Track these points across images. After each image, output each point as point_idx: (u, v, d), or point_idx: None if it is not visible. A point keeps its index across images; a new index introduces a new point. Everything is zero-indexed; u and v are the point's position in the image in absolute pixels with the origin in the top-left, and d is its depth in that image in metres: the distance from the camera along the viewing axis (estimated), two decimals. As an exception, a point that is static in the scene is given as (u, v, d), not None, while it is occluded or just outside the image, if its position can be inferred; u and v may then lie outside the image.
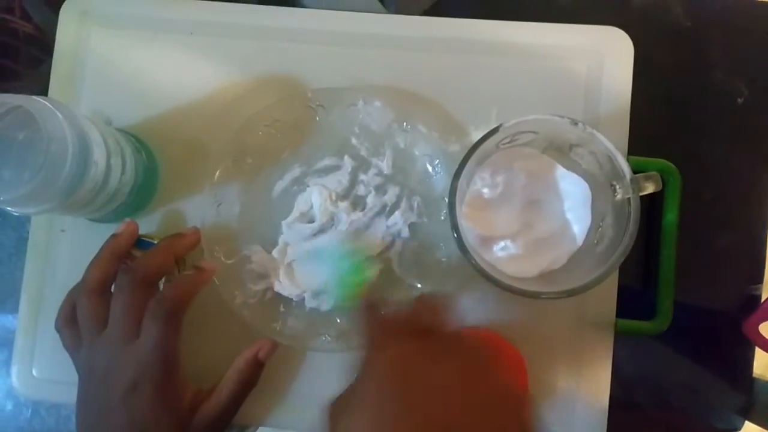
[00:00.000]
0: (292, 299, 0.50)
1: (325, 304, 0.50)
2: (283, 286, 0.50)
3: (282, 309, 0.50)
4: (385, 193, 0.51)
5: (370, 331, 0.39)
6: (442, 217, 0.50)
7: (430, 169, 0.51)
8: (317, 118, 0.52)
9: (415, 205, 0.51)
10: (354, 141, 0.52)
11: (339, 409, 0.35)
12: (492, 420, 0.33)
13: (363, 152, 0.52)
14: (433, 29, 0.53)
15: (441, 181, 0.51)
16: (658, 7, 0.56)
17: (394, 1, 0.55)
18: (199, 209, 0.51)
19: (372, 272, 0.50)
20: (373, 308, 0.41)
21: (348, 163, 0.52)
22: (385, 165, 0.51)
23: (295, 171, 0.52)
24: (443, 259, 0.50)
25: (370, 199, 0.51)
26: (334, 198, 0.51)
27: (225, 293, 0.49)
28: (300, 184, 0.52)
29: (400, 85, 0.53)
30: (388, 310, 0.41)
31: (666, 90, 0.55)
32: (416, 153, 0.51)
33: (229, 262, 0.50)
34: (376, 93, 0.51)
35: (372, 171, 0.52)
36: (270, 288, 0.50)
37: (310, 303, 0.50)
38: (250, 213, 0.51)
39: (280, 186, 0.52)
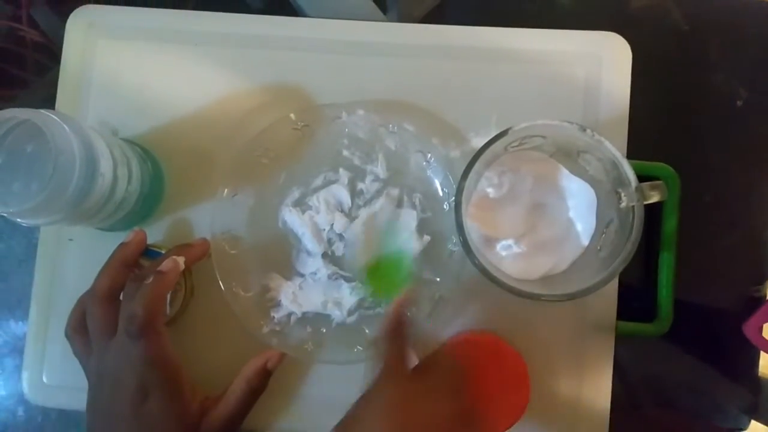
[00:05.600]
0: (318, 321, 0.51)
1: (355, 294, 0.51)
2: (287, 300, 0.51)
3: (309, 330, 0.51)
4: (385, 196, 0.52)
5: (388, 360, 0.41)
6: (446, 207, 0.51)
7: (424, 164, 0.52)
8: (305, 139, 0.52)
9: (417, 202, 0.52)
10: (345, 153, 0.52)
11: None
12: None
13: (356, 161, 0.52)
14: (433, 37, 0.54)
15: (437, 174, 0.51)
16: (656, 10, 0.56)
17: (395, 9, 0.56)
18: (204, 219, 0.52)
19: (411, 268, 0.50)
20: (400, 329, 0.43)
21: (344, 175, 0.52)
22: (380, 169, 0.52)
23: (295, 194, 0.52)
24: (455, 249, 0.50)
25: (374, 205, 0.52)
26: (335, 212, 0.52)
27: (250, 325, 0.50)
28: (301, 205, 0.52)
29: (400, 92, 0.53)
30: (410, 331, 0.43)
31: (665, 93, 0.55)
32: (408, 151, 0.52)
33: (249, 294, 0.51)
34: (357, 104, 0.52)
35: (369, 178, 0.52)
36: (293, 313, 0.51)
37: (337, 318, 0.51)
38: (260, 244, 0.52)
39: (283, 212, 0.52)
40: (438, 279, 0.51)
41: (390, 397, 0.39)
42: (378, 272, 0.50)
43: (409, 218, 0.51)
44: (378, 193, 0.52)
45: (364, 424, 0.38)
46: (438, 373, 0.41)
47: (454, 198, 0.45)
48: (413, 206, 0.52)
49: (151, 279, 0.45)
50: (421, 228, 0.51)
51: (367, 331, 0.50)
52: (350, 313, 0.51)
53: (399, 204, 0.52)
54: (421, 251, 0.51)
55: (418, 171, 0.52)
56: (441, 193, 0.51)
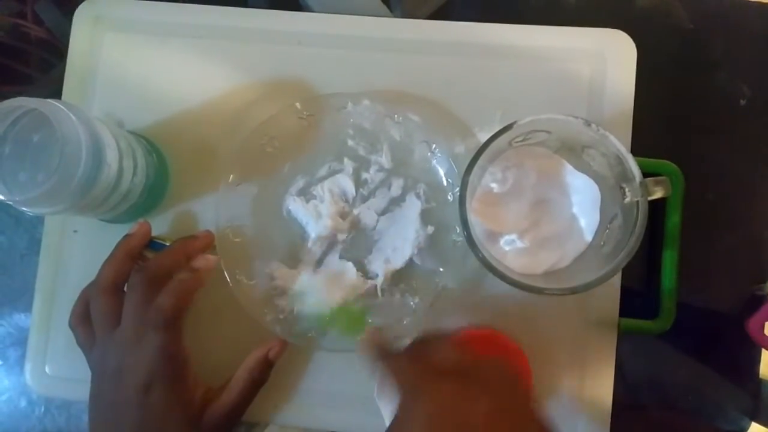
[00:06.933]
0: None
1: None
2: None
3: None
4: (389, 187, 0.52)
5: (404, 375, 0.39)
6: (450, 198, 0.51)
7: (429, 154, 0.52)
8: (310, 128, 0.53)
9: (421, 192, 0.52)
10: (350, 142, 0.53)
11: None
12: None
13: (361, 152, 0.53)
14: (439, 33, 0.54)
15: (442, 165, 0.52)
16: (660, 9, 0.56)
17: (400, 4, 0.56)
18: (208, 211, 0.52)
19: (363, 315, 0.51)
20: (388, 353, 0.42)
21: (348, 165, 0.52)
22: (384, 160, 0.52)
23: (299, 183, 0.53)
24: (459, 240, 0.50)
25: (378, 197, 0.52)
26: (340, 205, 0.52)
27: (254, 313, 0.50)
28: (306, 194, 0.53)
29: (405, 88, 0.53)
30: (400, 349, 0.42)
31: (669, 91, 0.55)
32: (413, 142, 0.52)
33: (252, 282, 0.51)
34: (363, 94, 0.52)
35: (373, 168, 0.52)
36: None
37: None
38: (264, 232, 0.52)
39: (288, 201, 0.53)
40: (441, 269, 0.51)
41: (434, 399, 0.36)
42: (338, 320, 0.50)
43: (413, 209, 0.52)
44: (382, 183, 0.52)
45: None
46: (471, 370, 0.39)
47: (458, 190, 0.45)
48: (417, 197, 0.52)
49: (183, 275, 0.46)
50: (425, 218, 0.51)
51: (370, 320, 0.51)
52: (354, 302, 0.51)
53: (402, 195, 0.52)
54: (426, 241, 0.51)
55: (422, 161, 0.52)
56: (445, 184, 0.52)
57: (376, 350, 0.43)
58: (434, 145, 0.52)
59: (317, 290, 0.50)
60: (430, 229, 0.51)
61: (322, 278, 0.51)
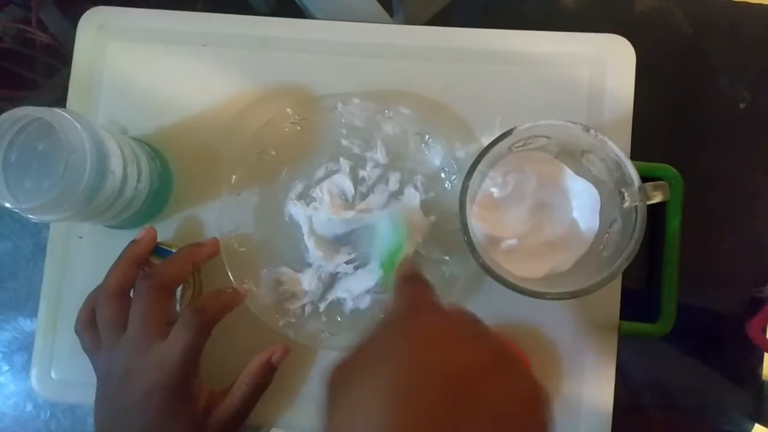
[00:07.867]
0: (333, 310, 0.52)
1: (364, 302, 0.51)
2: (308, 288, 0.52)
3: (324, 319, 0.51)
4: (387, 182, 0.53)
5: (406, 299, 0.38)
6: (447, 186, 0.52)
7: (422, 145, 0.52)
8: (303, 132, 0.53)
9: (419, 184, 0.52)
10: (344, 142, 0.53)
11: (350, 371, 0.33)
12: (515, 412, 0.31)
13: (356, 150, 0.53)
14: (439, 39, 0.54)
15: (437, 154, 0.52)
16: (660, 13, 0.57)
17: (402, 11, 0.57)
18: (211, 216, 0.53)
19: (409, 245, 0.50)
20: (412, 279, 0.40)
21: (344, 164, 0.53)
22: (379, 155, 0.53)
23: (298, 187, 0.53)
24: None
25: (377, 192, 0.53)
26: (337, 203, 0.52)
27: (266, 319, 0.50)
28: (305, 197, 0.53)
29: (405, 93, 0.54)
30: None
31: (668, 96, 0.55)
32: (406, 134, 0.53)
33: (262, 290, 0.51)
34: (353, 93, 0.52)
35: (369, 165, 0.53)
36: (307, 303, 0.52)
37: (349, 305, 0.52)
38: (268, 239, 0.53)
39: (288, 206, 0.53)
40: (447, 257, 0.51)
41: (424, 327, 0.33)
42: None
43: (413, 201, 0.52)
44: (380, 179, 0.53)
45: (392, 352, 0.32)
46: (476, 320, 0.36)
47: (456, 179, 0.45)
48: (416, 188, 0.52)
49: (230, 290, 0.49)
50: (426, 209, 0.52)
51: (382, 316, 0.51)
52: (360, 297, 0.51)
53: (401, 189, 0.52)
54: (428, 231, 0.51)
55: (417, 153, 0.53)
56: (442, 173, 0.52)
57: (403, 275, 0.40)
58: (427, 136, 0.52)
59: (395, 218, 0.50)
60: (432, 218, 0.51)
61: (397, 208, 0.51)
